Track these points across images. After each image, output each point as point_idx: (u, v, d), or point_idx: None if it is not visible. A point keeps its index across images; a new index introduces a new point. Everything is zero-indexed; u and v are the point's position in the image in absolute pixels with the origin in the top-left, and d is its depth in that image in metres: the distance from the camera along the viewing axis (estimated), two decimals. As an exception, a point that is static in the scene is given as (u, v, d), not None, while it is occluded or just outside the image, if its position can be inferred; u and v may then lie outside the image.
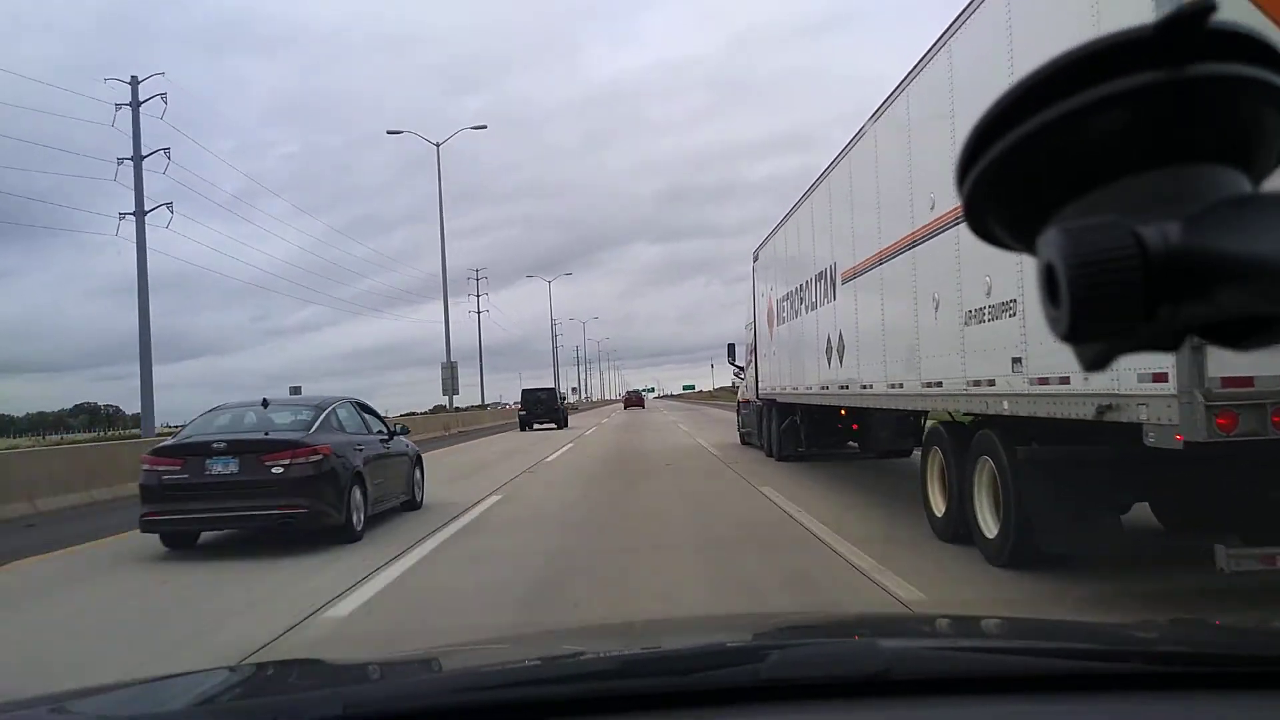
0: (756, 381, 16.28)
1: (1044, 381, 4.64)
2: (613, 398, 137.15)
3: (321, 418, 7.57)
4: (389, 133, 30.47)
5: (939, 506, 6.63)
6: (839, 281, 9.37)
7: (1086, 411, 4.27)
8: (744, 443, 18.98)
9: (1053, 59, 0.43)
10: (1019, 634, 1.59)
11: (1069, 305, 0.41)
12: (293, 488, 6.68)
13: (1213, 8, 0.41)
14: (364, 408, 8.79)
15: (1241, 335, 0.44)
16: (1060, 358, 4.26)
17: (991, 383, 5.40)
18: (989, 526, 5.52)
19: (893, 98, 7.10)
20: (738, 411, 20.44)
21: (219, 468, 6.85)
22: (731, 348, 20.17)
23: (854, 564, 5.77)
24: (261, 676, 1.51)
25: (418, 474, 9.28)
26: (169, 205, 25.57)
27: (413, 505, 8.99)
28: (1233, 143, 0.43)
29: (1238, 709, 1.06)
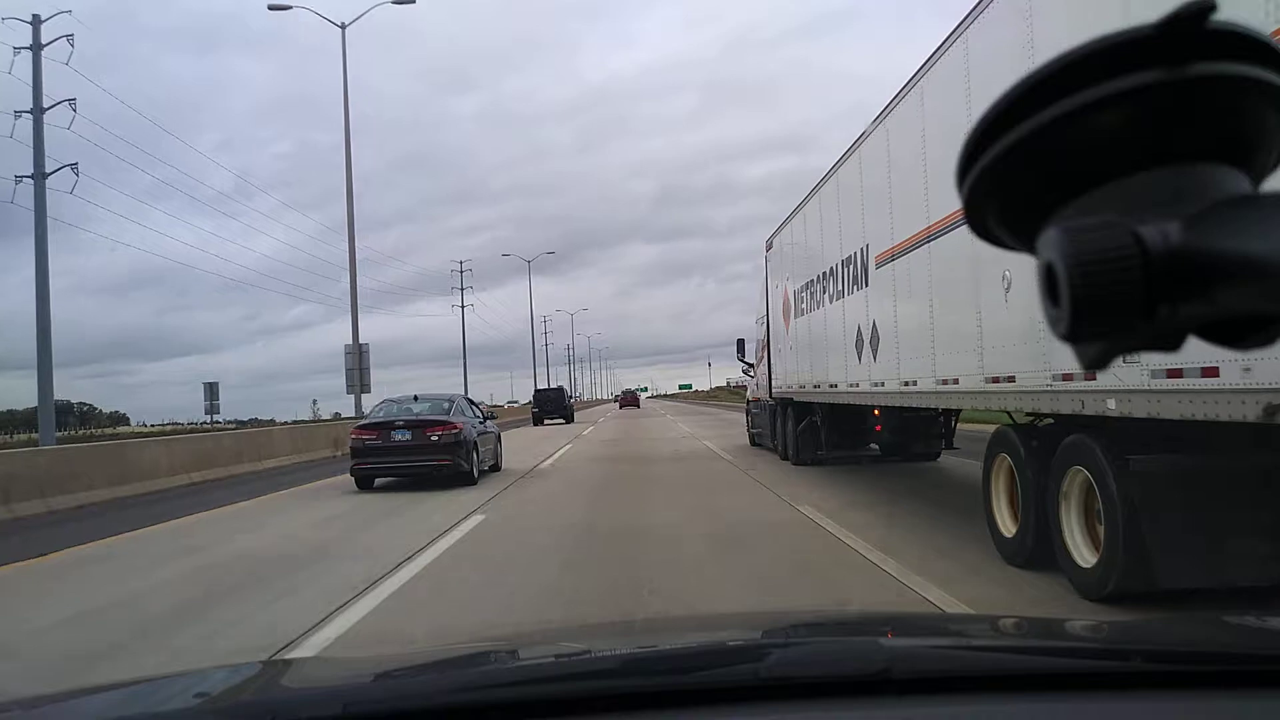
0: (770, 379, 15.58)
1: (1176, 374, 3.51)
2: (605, 397, 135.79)
3: (453, 406, 12.45)
4: (270, 8, 25.52)
5: (1007, 526, 5.86)
6: (872, 265, 8.74)
7: (1247, 411, 3.58)
8: (754, 444, 18.24)
9: (1053, 59, 0.44)
10: (1020, 632, 1.61)
11: (1069, 305, 0.42)
12: (443, 449, 11.16)
13: (1213, 7, 0.41)
14: (471, 401, 14.05)
15: (1241, 335, 0.45)
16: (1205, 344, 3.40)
17: (1091, 375, 4.60)
18: (1082, 554, 4.80)
19: (945, 47, 6.48)
20: (747, 411, 19.66)
21: (399, 436, 11.30)
22: (741, 344, 19.28)
23: (909, 586, 5.31)
24: (261, 675, 1.50)
25: (500, 447, 13.96)
26: (73, 167, 23.72)
27: (496, 468, 13.47)
28: (1233, 143, 0.44)
29: (1240, 707, 1.06)
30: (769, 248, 15.59)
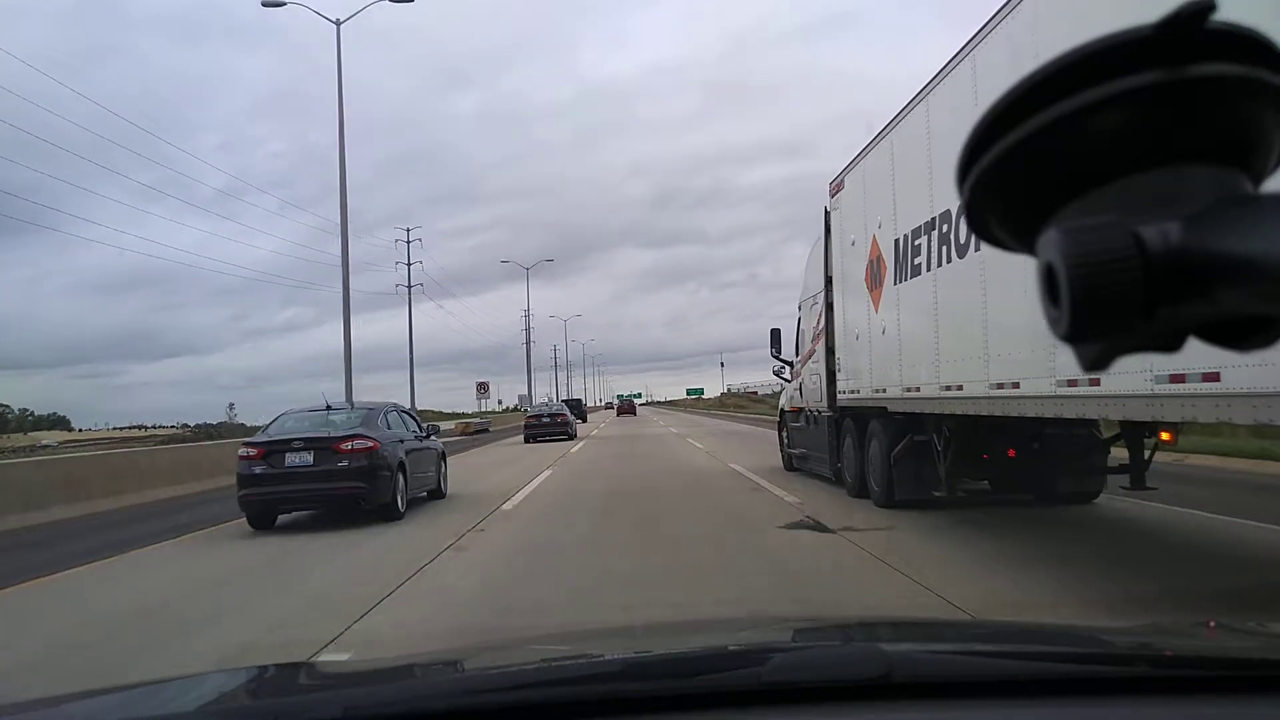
0: (829, 381, 11.79)
1: None
2: (597, 404, 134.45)
3: (563, 407, 40.95)
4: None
5: None
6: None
7: None
8: (791, 468, 14.91)
9: (1052, 59, 0.46)
10: (1022, 638, 1.69)
11: (1069, 305, 0.43)
12: (563, 425, 36.21)
13: (1213, 7, 0.43)
14: (566, 402, 57.82)
15: (1241, 335, 0.47)
16: None
17: None
18: None
19: None
20: (780, 425, 16.27)
21: (545, 420, 36.97)
22: (775, 335, 15.55)
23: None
24: (262, 678, 1.51)
25: (579, 423, 49.18)
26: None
27: (575, 435, 37.83)
28: (1233, 143, 0.46)
29: (1241, 713, 1.09)
30: (836, 191, 10.97)
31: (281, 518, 10.94)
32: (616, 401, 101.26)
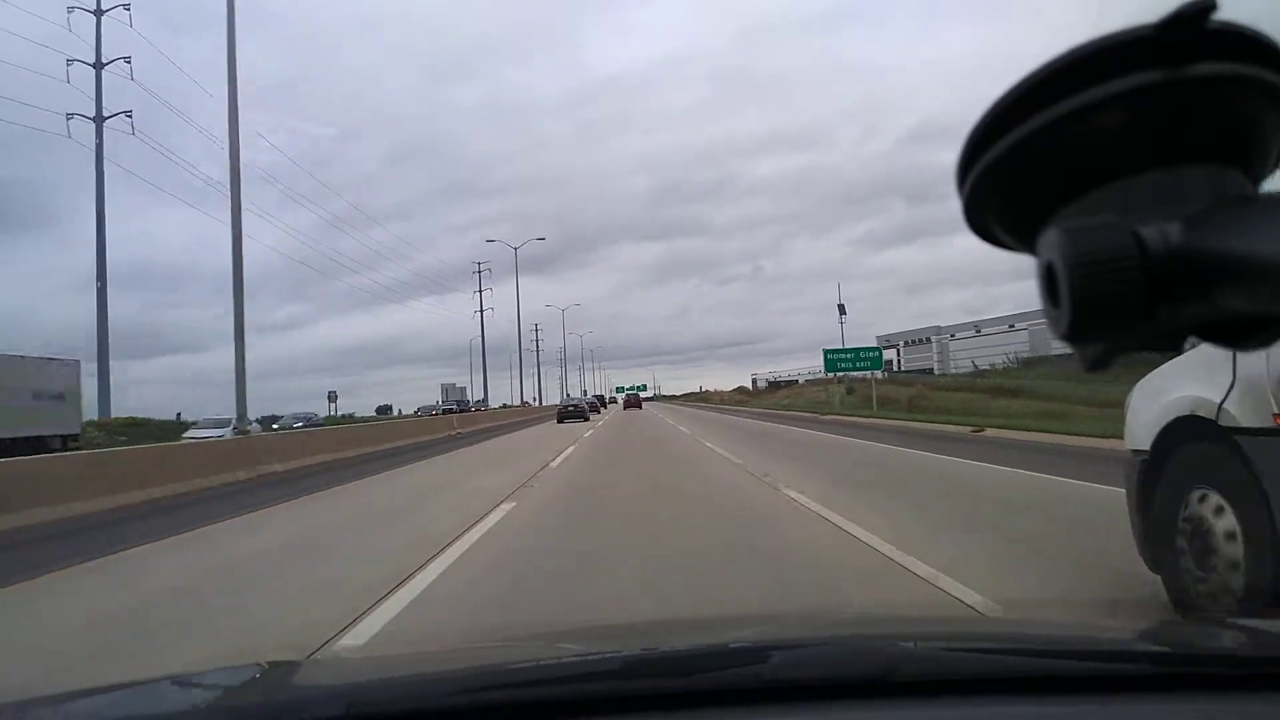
0: None
1: None
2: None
3: (586, 397, 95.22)
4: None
5: None
6: None
7: None
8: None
9: (1053, 59, 0.46)
10: (1025, 635, 1.67)
11: (1069, 305, 0.43)
12: (583, 411, 60.62)
13: (1213, 7, 0.43)
14: (599, 396, 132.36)
15: (1241, 335, 0.47)
16: None
17: None
18: None
19: None
20: (1142, 476, 4.28)
21: (572, 407, 59.86)
22: None
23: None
24: (264, 675, 1.55)
25: (602, 409, 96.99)
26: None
27: (598, 411, 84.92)
28: (1233, 143, 0.46)
29: (1247, 710, 1.10)
30: None
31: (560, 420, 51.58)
32: (620, 396, 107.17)
